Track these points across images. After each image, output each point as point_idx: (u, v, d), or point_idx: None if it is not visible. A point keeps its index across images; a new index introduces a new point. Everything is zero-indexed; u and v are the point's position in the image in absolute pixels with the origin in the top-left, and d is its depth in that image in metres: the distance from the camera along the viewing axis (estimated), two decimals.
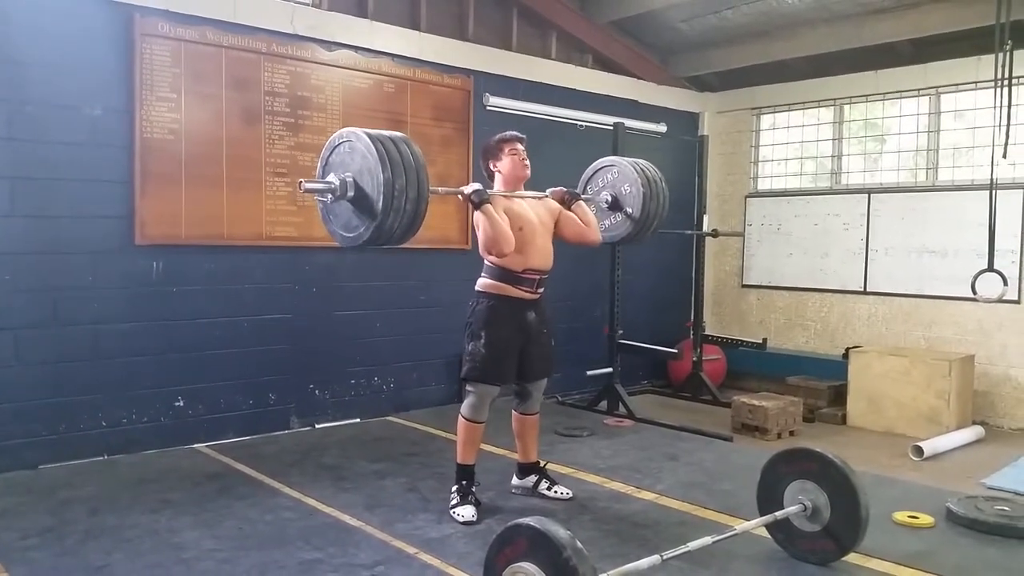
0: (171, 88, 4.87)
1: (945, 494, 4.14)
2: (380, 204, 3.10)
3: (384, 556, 3.34)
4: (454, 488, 3.88)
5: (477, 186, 3.69)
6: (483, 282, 3.88)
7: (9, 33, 4.37)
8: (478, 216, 3.68)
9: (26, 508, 3.84)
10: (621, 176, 4.41)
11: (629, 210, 4.33)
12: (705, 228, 7.11)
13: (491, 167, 3.98)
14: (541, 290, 3.94)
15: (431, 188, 3.33)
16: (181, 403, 5.02)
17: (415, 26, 6.12)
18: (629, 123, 6.67)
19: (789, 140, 7.86)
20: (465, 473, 3.89)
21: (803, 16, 6.76)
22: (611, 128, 6.46)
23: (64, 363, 4.60)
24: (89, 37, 4.62)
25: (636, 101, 7.50)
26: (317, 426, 5.58)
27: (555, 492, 4.09)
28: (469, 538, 3.52)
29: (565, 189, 4.10)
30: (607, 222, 4.46)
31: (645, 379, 7.74)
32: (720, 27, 7.18)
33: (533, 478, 4.15)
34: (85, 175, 4.62)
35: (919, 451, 5.33)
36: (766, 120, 8.04)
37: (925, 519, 3.80)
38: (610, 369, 6.36)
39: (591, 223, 4.09)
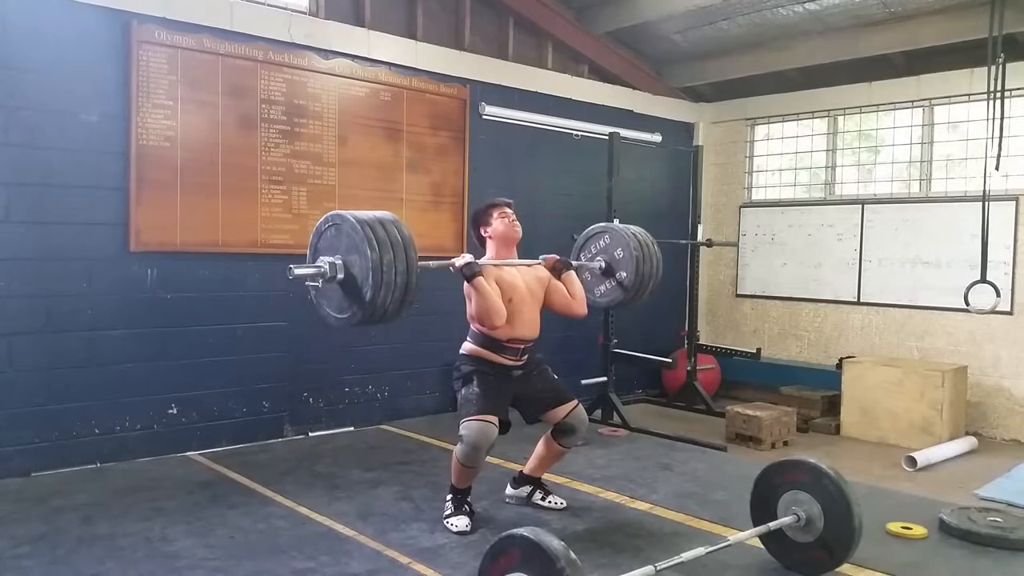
0: (167, 95, 4.88)
1: (938, 505, 4.14)
2: (370, 280, 3.12)
3: (377, 566, 3.33)
4: (448, 497, 3.88)
5: (468, 258, 3.68)
6: (467, 347, 3.88)
7: (6, 39, 4.37)
8: (468, 288, 3.69)
9: (18, 516, 3.82)
10: (613, 241, 4.41)
11: (623, 275, 4.33)
12: (699, 238, 7.12)
13: (482, 232, 3.99)
14: (526, 357, 3.93)
15: (420, 262, 3.33)
16: (174, 411, 5.01)
17: (411, 35, 6.14)
18: (624, 133, 6.70)
19: (783, 151, 7.89)
20: (462, 491, 3.89)
21: (797, 28, 6.79)
22: (606, 138, 6.48)
23: (57, 370, 4.59)
24: (86, 44, 4.62)
25: (631, 111, 7.53)
26: (311, 434, 5.57)
27: (549, 502, 4.09)
28: (463, 548, 3.52)
29: (558, 257, 4.08)
30: (602, 288, 4.46)
31: (639, 388, 7.74)
32: (715, 38, 7.21)
33: (528, 488, 4.15)
34: (80, 181, 4.62)
35: (912, 462, 5.34)
36: (760, 131, 8.07)
37: (918, 530, 3.80)
38: (604, 378, 6.36)
39: (577, 295, 4.05)
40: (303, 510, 3.99)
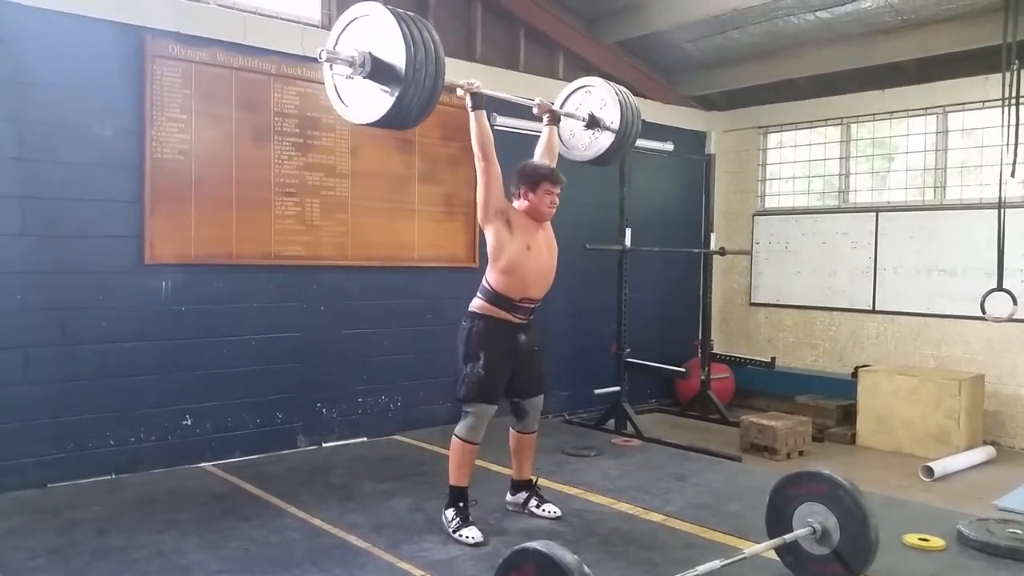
0: (181, 109, 4.91)
1: (956, 516, 4.09)
2: (401, 77, 3.04)
3: None
4: (451, 511, 3.83)
5: (478, 85, 3.88)
6: (478, 303, 3.90)
7: (21, 54, 4.41)
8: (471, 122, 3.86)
9: (33, 527, 3.84)
10: (595, 94, 4.48)
11: (609, 122, 4.38)
12: (712, 246, 7.11)
13: (520, 194, 3.94)
14: (533, 317, 3.99)
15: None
16: (188, 422, 5.03)
17: None
18: (636, 142, 6.67)
19: (796, 159, 7.86)
20: (461, 495, 3.87)
21: (809, 36, 6.78)
22: None
23: (72, 382, 4.61)
24: (100, 58, 4.67)
25: (643, 120, 7.46)
26: (324, 445, 5.58)
27: (543, 511, 4.08)
28: (476, 560, 3.50)
29: (552, 107, 4.33)
30: (586, 140, 4.51)
31: (653, 398, 7.71)
32: (726, 47, 7.20)
33: (523, 495, 4.15)
34: (95, 195, 4.66)
35: (929, 472, 5.29)
36: (773, 139, 8.05)
37: (936, 542, 3.76)
38: (618, 388, 6.35)
39: (554, 150, 4.31)
40: (317, 521, 3.99)
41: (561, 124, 4.44)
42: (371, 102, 3.21)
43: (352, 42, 3.23)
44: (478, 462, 4.01)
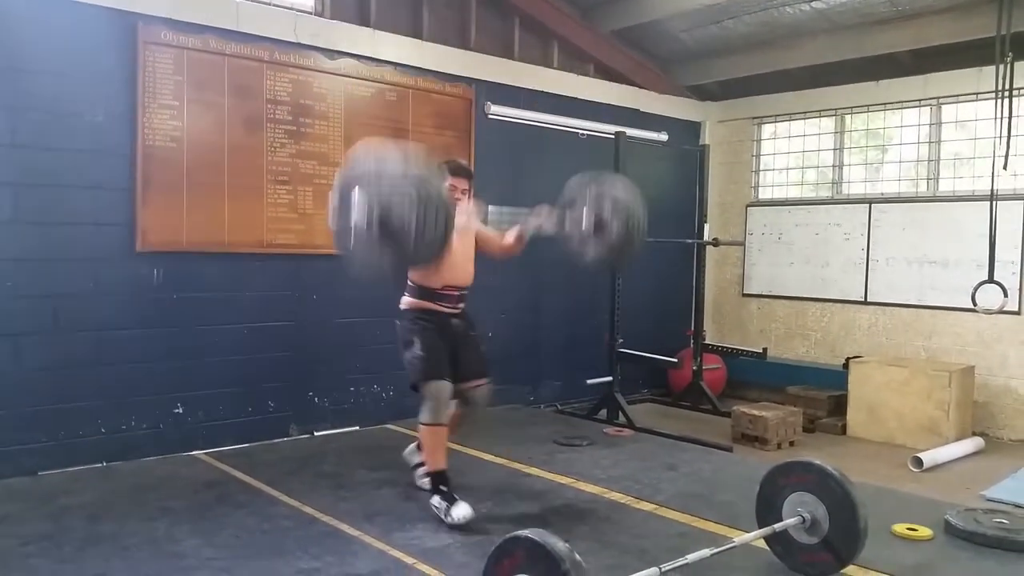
0: (173, 96, 4.89)
1: (944, 506, 4.12)
2: (406, 236, 3.14)
3: (382, 566, 3.33)
4: (436, 497, 3.86)
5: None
6: (405, 300, 4.07)
7: (13, 41, 4.38)
8: None
9: (25, 515, 3.84)
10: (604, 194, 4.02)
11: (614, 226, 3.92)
12: (706, 237, 7.11)
13: None
14: (461, 305, 4.10)
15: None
16: (180, 410, 5.02)
17: (417, 35, 6.14)
18: (630, 132, 6.69)
19: (790, 149, 7.87)
20: (442, 478, 3.91)
21: (804, 26, 6.78)
22: (612, 137, 6.47)
23: (64, 370, 4.60)
24: (92, 45, 4.63)
25: (637, 110, 7.51)
26: (316, 434, 5.58)
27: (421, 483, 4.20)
28: (468, 548, 3.52)
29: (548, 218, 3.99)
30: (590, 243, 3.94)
31: (645, 388, 7.73)
32: (721, 37, 7.20)
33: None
34: (87, 182, 4.63)
35: (918, 462, 5.32)
36: (767, 129, 8.05)
37: (924, 531, 3.78)
38: (610, 378, 6.36)
39: (507, 249, 4.12)
40: (308, 510, 3.99)
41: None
42: (376, 257, 3.27)
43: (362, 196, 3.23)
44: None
